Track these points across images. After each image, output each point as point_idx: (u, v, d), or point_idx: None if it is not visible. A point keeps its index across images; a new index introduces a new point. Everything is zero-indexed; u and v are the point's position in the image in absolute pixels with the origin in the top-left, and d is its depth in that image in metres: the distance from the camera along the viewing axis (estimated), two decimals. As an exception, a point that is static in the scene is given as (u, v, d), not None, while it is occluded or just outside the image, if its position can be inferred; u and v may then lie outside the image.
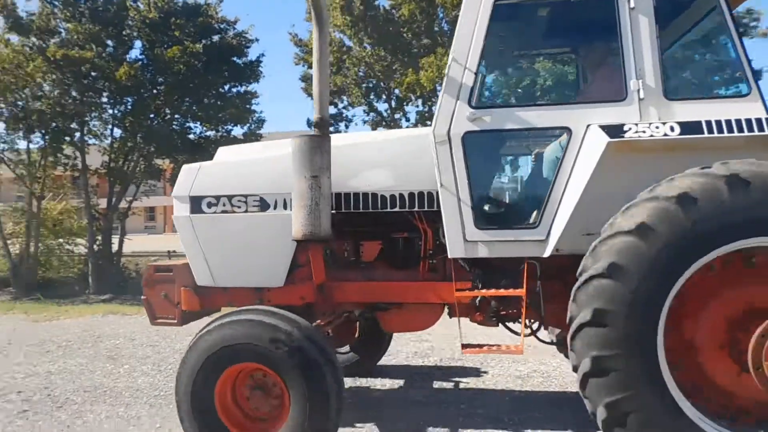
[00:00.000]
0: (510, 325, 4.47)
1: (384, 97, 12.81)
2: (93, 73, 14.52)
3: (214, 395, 3.83)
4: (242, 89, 16.15)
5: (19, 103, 14.91)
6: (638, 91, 3.76)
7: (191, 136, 15.98)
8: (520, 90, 5.15)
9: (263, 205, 4.47)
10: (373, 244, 4.87)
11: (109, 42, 15.12)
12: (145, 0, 15.25)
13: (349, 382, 5.89)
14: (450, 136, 3.95)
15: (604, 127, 3.59)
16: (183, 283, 4.63)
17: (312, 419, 3.62)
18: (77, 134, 15.38)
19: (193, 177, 4.63)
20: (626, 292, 3.16)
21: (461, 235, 3.97)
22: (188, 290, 4.58)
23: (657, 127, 3.56)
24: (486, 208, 4.15)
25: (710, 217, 3.11)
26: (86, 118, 15.31)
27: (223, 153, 5.15)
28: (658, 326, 3.20)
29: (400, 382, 6.15)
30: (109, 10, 14.70)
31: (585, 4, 4.11)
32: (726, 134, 3.45)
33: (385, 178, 4.35)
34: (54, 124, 14.98)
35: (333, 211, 4.34)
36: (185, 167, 4.79)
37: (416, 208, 4.24)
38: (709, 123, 3.50)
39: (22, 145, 15.99)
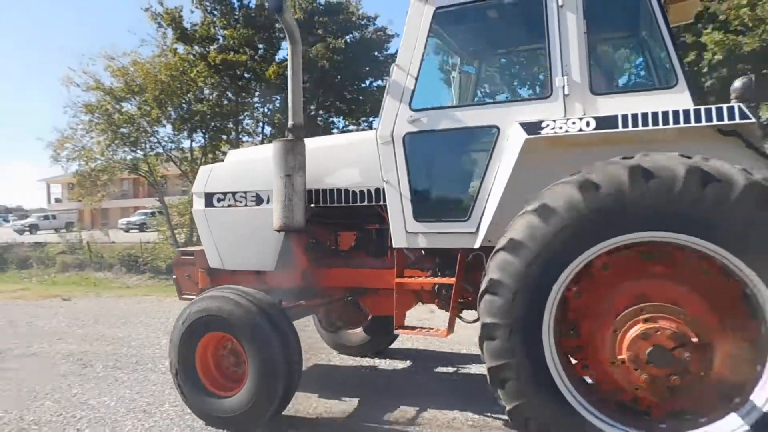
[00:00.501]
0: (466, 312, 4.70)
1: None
2: (246, 75, 15.66)
3: (195, 356, 4.49)
4: (383, 83, 16.53)
5: (184, 106, 16.50)
6: (563, 87, 3.76)
7: (335, 131, 16.62)
8: (455, 91, 5.16)
9: (258, 200, 5.02)
10: (349, 235, 5.21)
11: (260, 45, 16.20)
12: (291, 2, 16.10)
13: (358, 361, 6.38)
14: (393, 137, 4.15)
15: (524, 125, 3.62)
16: (201, 266, 5.37)
17: (263, 382, 4.19)
18: (233, 133, 16.70)
19: (207, 176, 5.29)
20: (520, 266, 3.24)
21: (403, 228, 4.22)
22: (203, 272, 5.33)
23: (574, 123, 3.53)
24: (424, 202, 4.28)
25: (607, 206, 3.08)
26: (240, 117, 16.56)
27: (232, 154, 5.82)
28: (546, 303, 3.24)
29: (406, 364, 6.19)
30: (261, 15, 15.71)
31: (517, 6, 4.22)
32: (641, 128, 3.34)
33: (354, 175, 4.73)
34: (213, 124, 16.40)
35: (312, 205, 4.86)
36: (202, 168, 5.46)
37: (382, 202, 4.44)
38: (625, 117, 3.40)
39: (186, 143, 17.74)
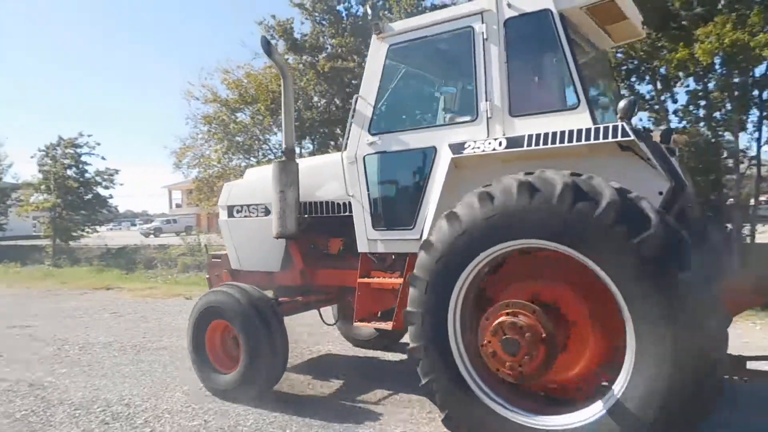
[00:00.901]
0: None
1: (647, 78, 11.51)
2: (353, 82, 15.90)
3: (205, 339, 5.59)
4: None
5: (294, 114, 17.05)
6: (486, 111, 4.35)
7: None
8: (405, 117, 5.90)
9: (266, 212, 5.94)
10: (337, 241, 6.06)
11: (367, 52, 16.36)
12: (396, 8, 16.17)
13: (368, 352, 7.31)
14: (356, 157, 4.99)
15: (451, 146, 4.32)
16: (225, 268, 6.40)
17: (251, 362, 5.16)
18: (340, 138, 17.03)
19: (229, 191, 6.49)
20: (430, 263, 3.94)
21: (365, 235, 5.03)
22: (227, 272, 6.36)
23: (490, 143, 4.13)
24: (379, 213, 4.98)
25: (498, 215, 3.63)
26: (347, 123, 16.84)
27: (249, 173, 6.89)
28: (451, 296, 3.92)
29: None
30: (368, 23, 15.89)
31: (451, 41, 4.81)
32: (541, 146, 3.87)
33: (337, 189, 5.44)
34: (321, 131, 16.82)
35: (306, 216, 5.78)
36: (225, 185, 6.68)
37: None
38: (530, 137, 3.94)
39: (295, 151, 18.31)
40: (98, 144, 26.62)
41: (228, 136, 17.47)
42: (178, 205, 69.43)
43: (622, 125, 3.67)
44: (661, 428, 3.23)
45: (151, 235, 45.27)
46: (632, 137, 3.63)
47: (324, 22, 16.51)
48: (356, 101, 5.02)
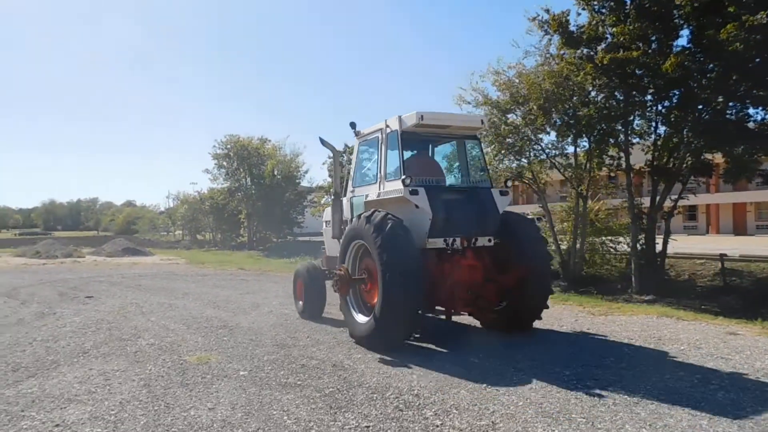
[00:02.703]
0: None
1: None
2: (637, 72, 14.44)
3: (297, 289, 11.30)
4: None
5: (569, 111, 16.24)
6: (378, 177, 8.97)
7: (750, 124, 13.90)
8: (364, 178, 9.93)
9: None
10: None
11: (653, 37, 14.71)
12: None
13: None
14: (348, 198, 10.14)
15: (367, 195, 9.22)
16: (325, 257, 11.32)
17: (308, 299, 10.84)
18: (620, 135, 15.65)
19: (325, 211, 11.53)
20: (343, 240, 9.04)
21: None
22: (324, 256, 11.34)
23: (377, 194, 8.88)
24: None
25: (350, 229, 8.69)
26: (630, 118, 15.38)
27: (328, 204, 12.52)
28: (347, 256, 8.82)
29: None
30: (656, 3, 14.25)
31: (372, 141, 9.42)
32: (380, 198, 8.76)
33: (347, 212, 10.18)
34: (599, 128, 15.67)
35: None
36: (326, 207, 11.62)
37: None
38: (378, 192, 8.88)
39: (569, 149, 17.45)
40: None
41: (498, 138, 17.45)
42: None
43: (403, 188, 8.02)
44: (388, 326, 7.56)
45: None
46: (403, 195, 7.97)
47: (604, 11, 15.31)
48: (347, 171, 9.99)
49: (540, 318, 8.75)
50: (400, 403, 5.58)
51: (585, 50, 15.43)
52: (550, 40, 16.40)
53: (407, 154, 9.02)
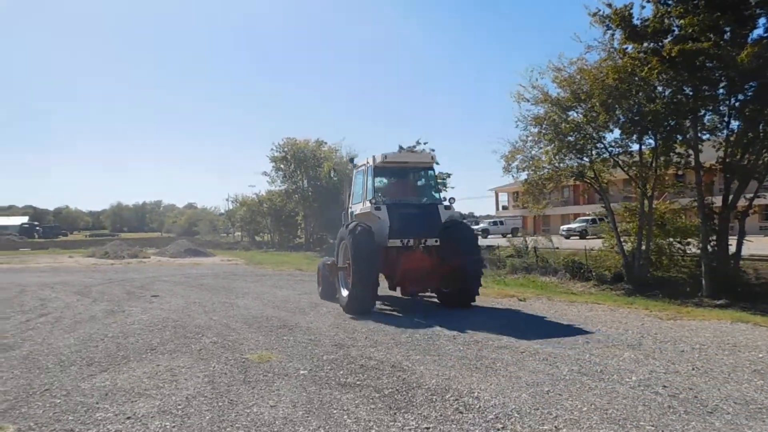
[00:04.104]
0: None
1: None
2: (708, 64, 13.74)
3: (319, 276, 14.27)
4: None
5: (634, 108, 15.61)
6: (363, 198, 12.68)
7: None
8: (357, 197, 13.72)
9: None
10: None
11: (726, 28, 13.98)
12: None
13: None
14: (349, 211, 14.18)
15: (354, 210, 13.49)
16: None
17: (323, 284, 14.00)
18: (689, 131, 14.93)
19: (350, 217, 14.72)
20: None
21: None
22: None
23: (364, 209, 12.42)
24: None
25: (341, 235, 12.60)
26: (700, 113, 14.65)
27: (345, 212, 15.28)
28: (339, 251, 12.89)
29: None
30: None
31: (360, 172, 13.53)
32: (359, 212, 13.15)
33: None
34: (666, 124, 15.01)
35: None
36: (353, 214, 14.07)
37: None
38: (365, 208, 12.38)
39: (634, 147, 16.78)
40: (433, 150, 29.20)
41: (559, 137, 16.97)
42: (504, 207, 71.89)
43: (371, 206, 11.86)
44: (357, 296, 11.01)
45: (479, 237, 47.75)
46: (370, 210, 11.75)
47: (670, 2, 14.64)
48: (347, 192, 14.17)
49: (474, 300, 11.86)
50: (460, 405, 5.48)
51: (650, 44, 14.83)
52: (612, 34, 15.83)
53: (385, 181, 13.10)
